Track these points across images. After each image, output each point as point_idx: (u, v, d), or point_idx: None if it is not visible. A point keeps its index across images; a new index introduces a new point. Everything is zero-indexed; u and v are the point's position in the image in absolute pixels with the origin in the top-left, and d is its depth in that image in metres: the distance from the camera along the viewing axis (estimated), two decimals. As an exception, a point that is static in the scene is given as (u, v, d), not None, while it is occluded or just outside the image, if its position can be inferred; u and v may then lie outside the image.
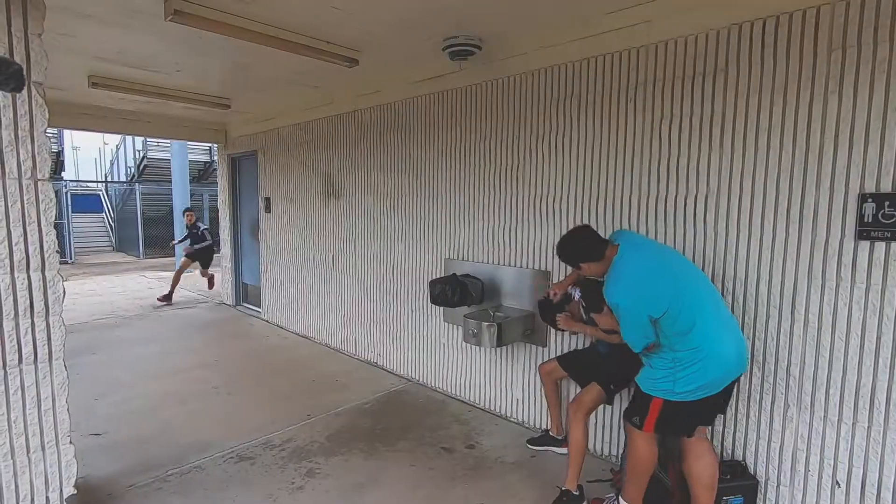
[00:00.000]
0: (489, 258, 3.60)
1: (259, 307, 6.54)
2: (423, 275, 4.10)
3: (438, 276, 3.83)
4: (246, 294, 7.07)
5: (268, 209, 6.11)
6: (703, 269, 2.55)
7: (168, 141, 11.66)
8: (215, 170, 14.21)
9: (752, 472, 2.41)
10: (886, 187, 2.02)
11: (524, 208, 3.35)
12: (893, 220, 2.00)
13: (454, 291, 3.44)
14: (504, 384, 3.57)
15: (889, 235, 2.01)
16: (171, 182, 11.30)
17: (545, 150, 3.19)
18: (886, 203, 2.01)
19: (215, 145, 7.91)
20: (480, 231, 3.64)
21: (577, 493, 2.48)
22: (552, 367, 2.96)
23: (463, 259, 3.77)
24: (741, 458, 2.47)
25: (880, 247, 2.04)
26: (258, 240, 6.41)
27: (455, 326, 3.84)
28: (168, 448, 3.13)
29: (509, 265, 3.47)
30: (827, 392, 2.21)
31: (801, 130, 2.22)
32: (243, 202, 6.92)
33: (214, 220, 14.66)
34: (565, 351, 3.17)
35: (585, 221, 3.02)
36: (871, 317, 2.08)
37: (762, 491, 2.40)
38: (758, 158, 2.34)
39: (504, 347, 3.49)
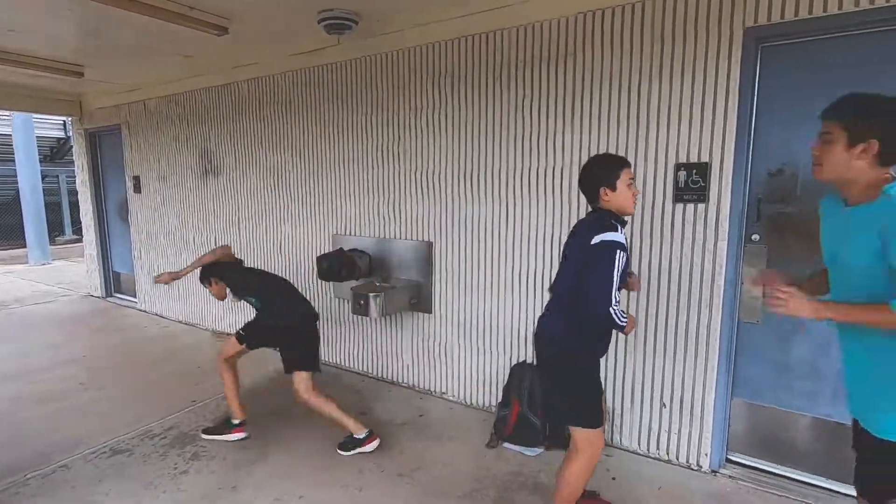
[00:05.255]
0: (376, 232, 3.69)
1: (134, 297, 6.02)
2: (312, 252, 4.08)
3: (326, 252, 3.84)
4: (118, 284, 6.45)
5: (137, 189, 5.59)
6: (559, 236, 2.87)
7: (8, 113, 10.00)
8: (72, 147, 12.51)
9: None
10: (694, 158, 2.44)
11: (406, 182, 3.47)
12: (699, 185, 2.43)
13: (342, 266, 3.49)
14: (394, 352, 3.72)
15: (696, 198, 2.44)
16: (14, 161, 9.76)
17: (423, 126, 3.33)
18: (693, 171, 2.43)
19: (69, 118, 6.98)
20: (366, 206, 3.71)
21: None
22: None
23: (350, 234, 3.82)
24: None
25: (690, 207, 2.47)
26: (129, 223, 5.85)
27: (345, 301, 3.90)
28: (25, 451, 2.85)
29: (395, 238, 3.59)
30: (655, 330, 2.64)
31: (633, 110, 2.58)
32: (108, 182, 6.24)
33: (75, 205, 12.96)
34: (455, 314, 3.39)
35: (461, 194, 3.22)
36: (685, 266, 2.52)
37: (609, 420, 2.82)
38: (601, 134, 2.68)
39: (392, 316, 3.64)
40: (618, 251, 1.76)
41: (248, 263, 4.59)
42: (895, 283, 1.34)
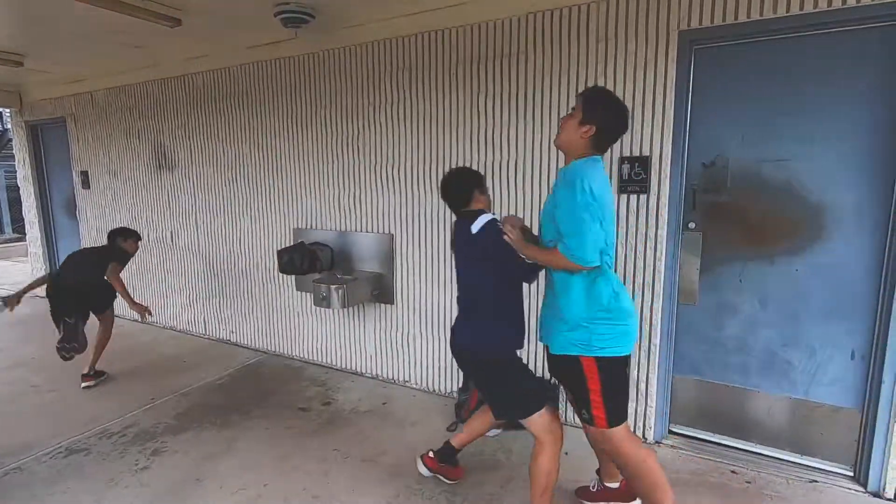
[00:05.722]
0: (337, 225, 3.72)
1: (85, 296, 5.79)
2: (273, 246, 4.07)
3: (286, 246, 3.85)
4: (67, 283, 6.18)
5: (86, 185, 5.38)
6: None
7: (-64, 104, 9.31)
8: (10, 140, 11.76)
9: (555, 384, 2.98)
10: (636, 152, 2.61)
11: (367, 176, 3.52)
12: (640, 177, 2.60)
13: (302, 259, 3.52)
14: (357, 343, 3.78)
15: (638, 189, 2.62)
16: (-54, 155, 9.13)
17: (382, 120, 3.38)
18: (636, 164, 2.60)
19: (8, 111, 6.61)
20: (327, 199, 3.74)
21: None
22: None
23: (312, 227, 3.84)
24: (543, 375, 3.03)
25: (633, 198, 2.65)
26: (77, 220, 5.63)
27: (308, 294, 3.92)
28: (-26, 455, 2.77)
29: (357, 231, 3.64)
30: (604, 314, 2.81)
31: (581, 106, 2.72)
32: (53, 178, 5.97)
33: (15, 201, 12.22)
34: (416, 305, 3.48)
35: (421, 187, 3.31)
36: (630, 252, 2.70)
37: (563, 400, 2.99)
38: (551, 129, 2.81)
39: (354, 308, 3.69)
40: (497, 223, 2.03)
41: (207, 257, 4.55)
42: (559, 232, 1.77)
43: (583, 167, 1.77)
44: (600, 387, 1.83)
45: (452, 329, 2.19)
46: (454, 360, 2.23)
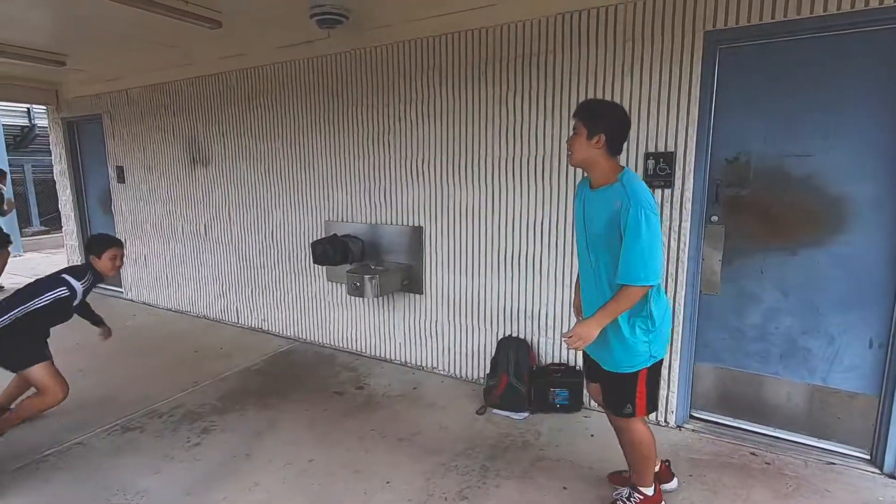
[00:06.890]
0: (367, 218, 3.88)
1: (119, 287, 6.04)
2: (305, 238, 4.25)
3: (319, 238, 4.01)
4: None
5: (121, 179, 5.60)
6: (541, 219, 3.13)
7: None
8: (39, 135, 12.10)
9: (579, 370, 3.12)
10: (661, 148, 2.72)
11: (396, 171, 3.67)
12: (665, 172, 2.71)
13: (336, 250, 3.68)
14: (387, 331, 3.95)
15: (663, 184, 2.73)
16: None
17: (412, 118, 3.52)
18: (661, 160, 2.72)
19: (38, 107, 6.85)
20: (357, 193, 3.89)
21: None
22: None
23: (343, 221, 4.00)
24: (567, 362, 3.17)
25: (658, 192, 2.76)
26: (112, 213, 5.86)
27: (339, 284, 4.09)
28: (36, 432, 2.99)
29: (387, 223, 3.79)
30: (628, 304, 2.94)
31: (608, 103, 2.83)
32: (89, 172, 6.20)
33: (42, 195, 12.60)
34: (445, 294, 3.63)
35: (449, 182, 3.44)
36: (654, 245, 2.81)
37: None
38: (579, 125, 2.93)
39: (385, 298, 3.85)
40: (76, 295, 2.91)
41: (240, 249, 4.73)
42: (621, 257, 1.81)
43: (641, 192, 1.82)
44: (647, 386, 2.03)
45: None
46: None
